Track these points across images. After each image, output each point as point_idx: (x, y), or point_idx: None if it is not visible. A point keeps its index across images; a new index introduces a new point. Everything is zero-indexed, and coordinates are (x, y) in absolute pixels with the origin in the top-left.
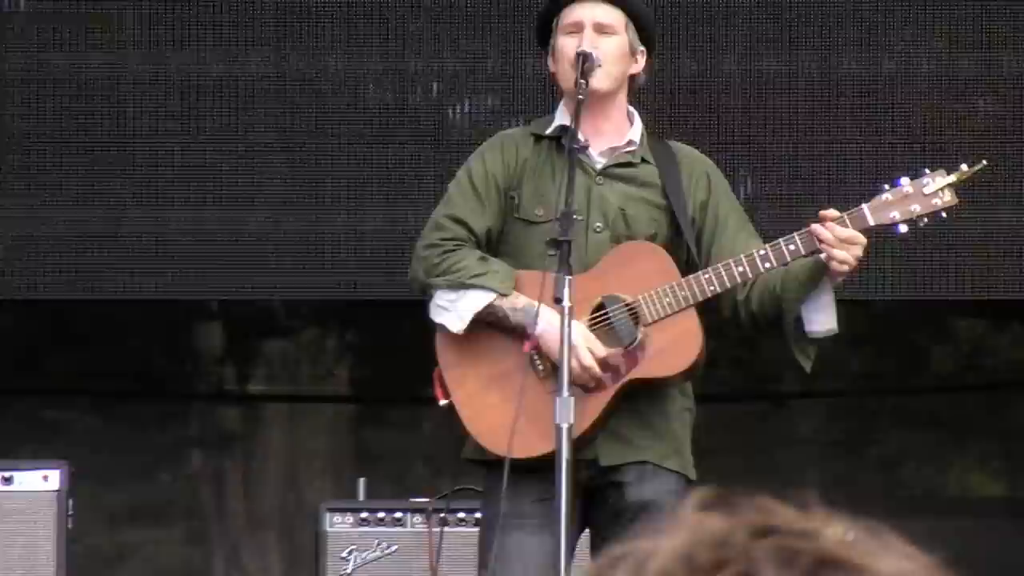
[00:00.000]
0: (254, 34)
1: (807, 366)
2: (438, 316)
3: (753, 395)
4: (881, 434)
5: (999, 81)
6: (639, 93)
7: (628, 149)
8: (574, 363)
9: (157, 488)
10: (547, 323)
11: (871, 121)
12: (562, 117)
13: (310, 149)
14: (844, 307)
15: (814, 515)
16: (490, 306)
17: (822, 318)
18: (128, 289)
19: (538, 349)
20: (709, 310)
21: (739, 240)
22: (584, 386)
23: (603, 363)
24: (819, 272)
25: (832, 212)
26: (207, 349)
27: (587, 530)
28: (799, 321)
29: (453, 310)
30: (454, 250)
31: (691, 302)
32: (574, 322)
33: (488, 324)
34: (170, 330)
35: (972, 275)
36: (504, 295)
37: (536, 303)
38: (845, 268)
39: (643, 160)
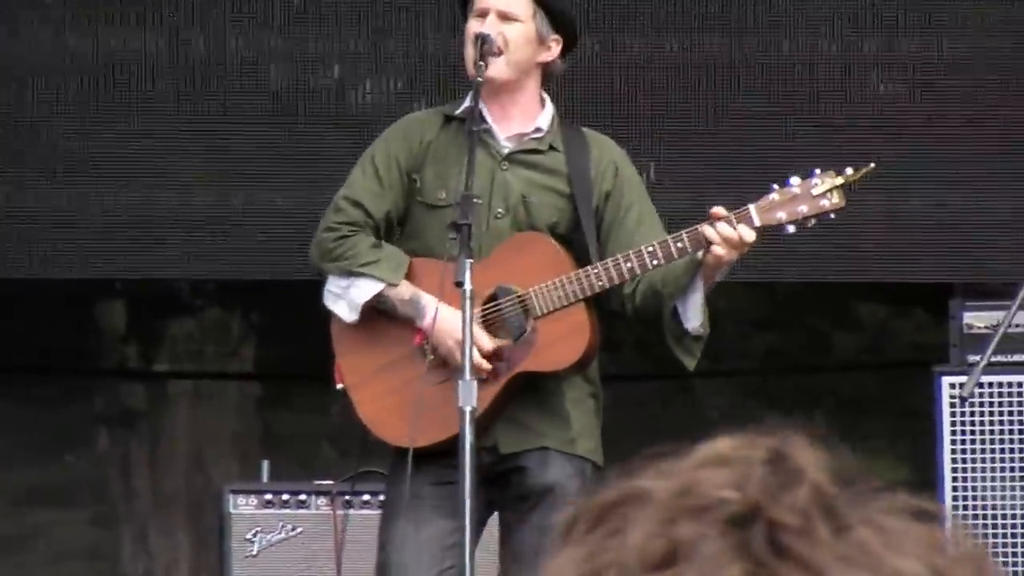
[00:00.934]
0: (156, 11)
1: (689, 364)
2: (330, 303)
3: (658, 376)
4: (787, 416)
5: (900, 62)
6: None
7: (535, 135)
8: (458, 353)
9: (62, 469)
10: (433, 316)
11: (774, 104)
12: (471, 99)
13: (213, 130)
14: (747, 289)
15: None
16: (379, 295)
17: (694, 315)
18: (31, 268)
19: (426, 342)
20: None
21: (637, 235)
22: (476, 378)
23: (491, 355)
24: (694, 266)
25: (720, 211)
26: (111, 328)
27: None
28: (677, 318)
29: (344, 298)
30: (349, 236)
31: (580, 296)
32: (454, 313)
33: (379, 312)
34: (73, 309)
35: (874, 259)
36: (393, 284)
37: (421, 294)
38: (723, 266)
39: (551, 147)
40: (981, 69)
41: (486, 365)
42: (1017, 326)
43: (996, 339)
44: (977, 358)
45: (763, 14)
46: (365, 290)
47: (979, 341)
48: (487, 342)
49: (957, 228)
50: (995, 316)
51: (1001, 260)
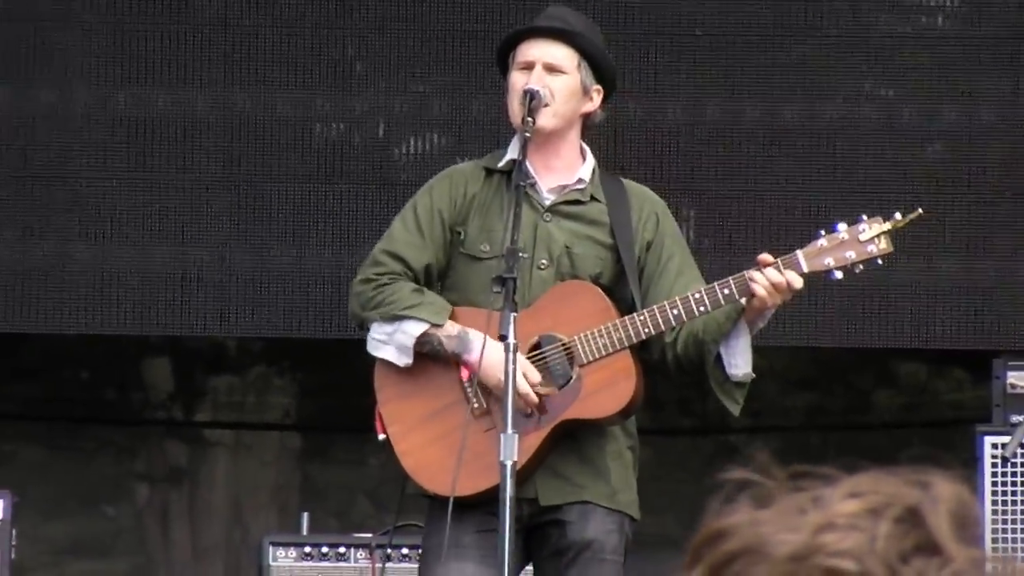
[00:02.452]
0: (201, 71)
1: (735, 410)
2: (376, 350)
3: (700, 432)
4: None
5: (942, 130)
6: (592, 131)
7: (578, 187)
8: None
9: (103, 520)
10: (479, 351)
11: (815, 169)
12: (514, 151)
13: (256, 188)
14: (789, 351)
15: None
16: (424, 335)
17: (740, 361)
18: (75, 324)
19: (473, 376)
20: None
21: (678, 284)
22: (522, 413)
23: (538, 392)
24: (736, 312)
25: (767, 257)
26: (155, 384)
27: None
28: (721, 364)
29: (391, 343)
30: (388, 283)
31: (626, 344)
32: (500, 346)
33: (425, 356)
34: (118, 364)
35: (912, 323)
36: (438, 325)
37: (469, 330)
38: (767, 312)
39: (592, 198)
40: (1019, 135)
41: (534, 396)
42: None
43: None
44: (1020, 419)
45: (804, 80)
46: (411, 332)
47: (1021, 401)
48: (535, 374)
49: (993, 293)
50: None
51: None
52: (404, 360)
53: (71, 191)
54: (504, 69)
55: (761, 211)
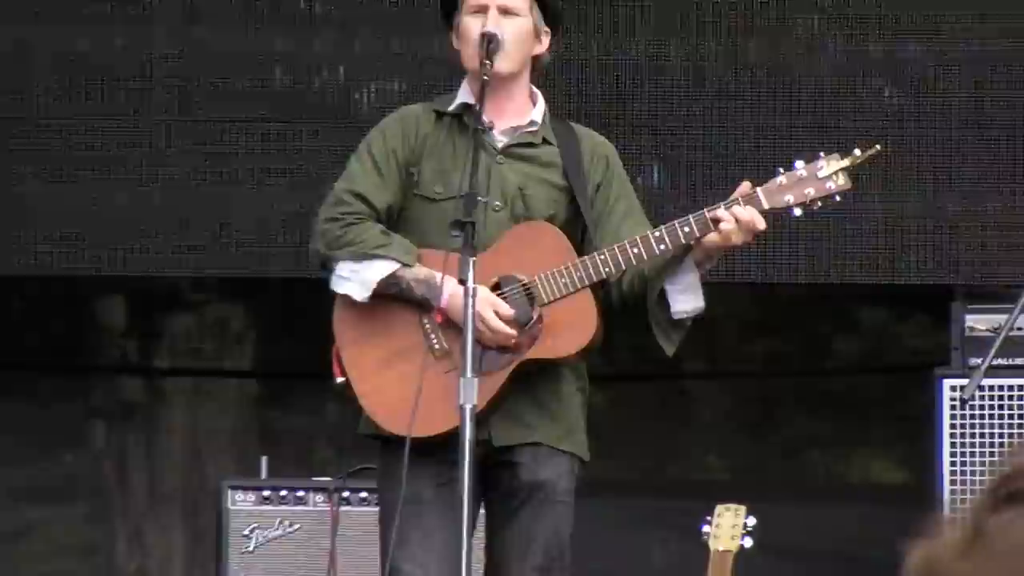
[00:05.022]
0: (159, 11)
1: (669, 350)
2: (340, 286)
3: (654, 377)
4: (785, 419)
5: (903, 66)
6: (547, 74)
7: (530, 129)
8: (481, 326)
9: (59, 465)
10: (452, 293)
11: (777, 107)
12: (465, 95)
13: (215, 129)
14: (747, 293)
15: None
16: (393, 276)
17: (687, 297)
18: (30, 264)
19: (446, 319)
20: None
21: (625, 226)
22: (499, 349)
23: (510, 321)
24: (683, 252)
25: (747, 186)
26: (110, 323)
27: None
28: (664, 302)
29: (355, 279)
30: (356, 223)
31: (586, 283)
32: (477, 286)
33: (391, 297)
34: (72, 304)
35: (876, 262)
36: (408, 265)
37: (436, 273)
38: (724, 249)
39: (544, 140)
40: (982, 72)
41: (508, 330)
42: (1019, 329)
43: (998, 342)
44: (978, 361)
45: (767, 18)
46: (379, 270)
47: (981, 344)
48: (505, 307)
49: (956, 231)
50: (996, 319)
51: (1001, 263)
52: (363, 294)
53: (27, 132)
54: (448, 14)
55: (725, 150)
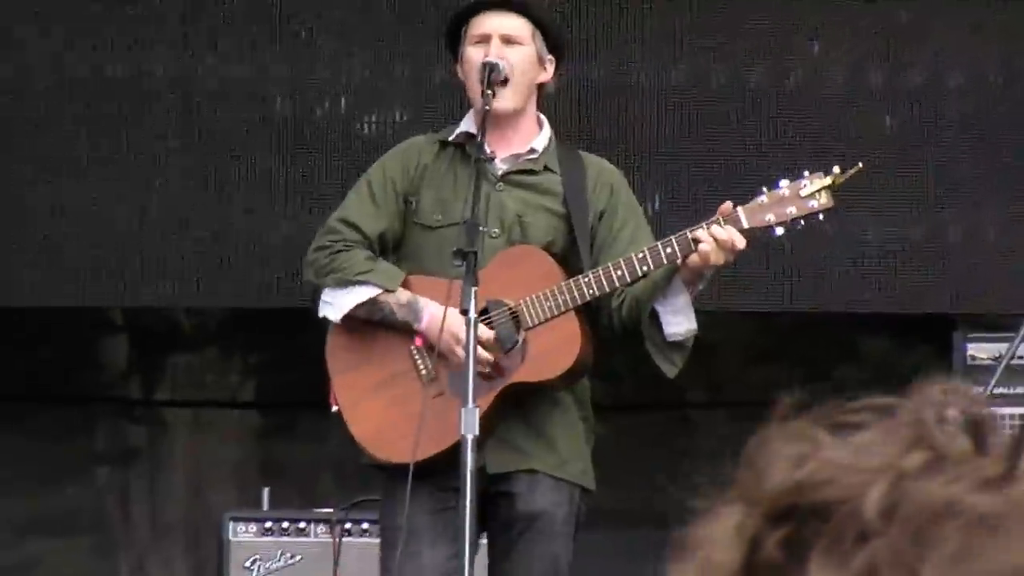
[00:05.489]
0: (158, 37)
1: (670, 372)
2: (322, 310)
3: (656, 406)
4: None
5: (905, 95)
6: (550, 99)
7: (530, 157)
8: (459, 350)
9: (62, 499)
10: (431, 315)
11: (780, 133)
12: (467, 124)
13: (215, 159)
14: (748, 322)
15: None
16: (374, 301)
17: (680, 319)
18: (27, 296)
19: (427, 343)
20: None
21: (629, 252)
22: (480, 375)
23: (490, 345)
24: (670, 270)
25: (728, 206)
26: (112, 361)
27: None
28: (658, 324)
29: (336, 303)
30: (343, 250)
31: (571, 306)
32: (452, 310)
33: (379, 324)
34: (73, 336)
35: (876, 289)
36: (389, 291)
37: (419, 298)
38: (708, 269)
39: (546, 168)
40: (980, 98)
41: (488, 355)
42: (1020, 358)
43: (1000, 370)
44: (980, 390)
45: (770, 43)
46: (358, 295)
47: (982, 373)
48: (486, 331)
49: (957, 258)
50: (998, 348)
51: (1003, 290)
52: (336, 316)
53: (24, 160)
54: (454, 44)
55: (727, 174)
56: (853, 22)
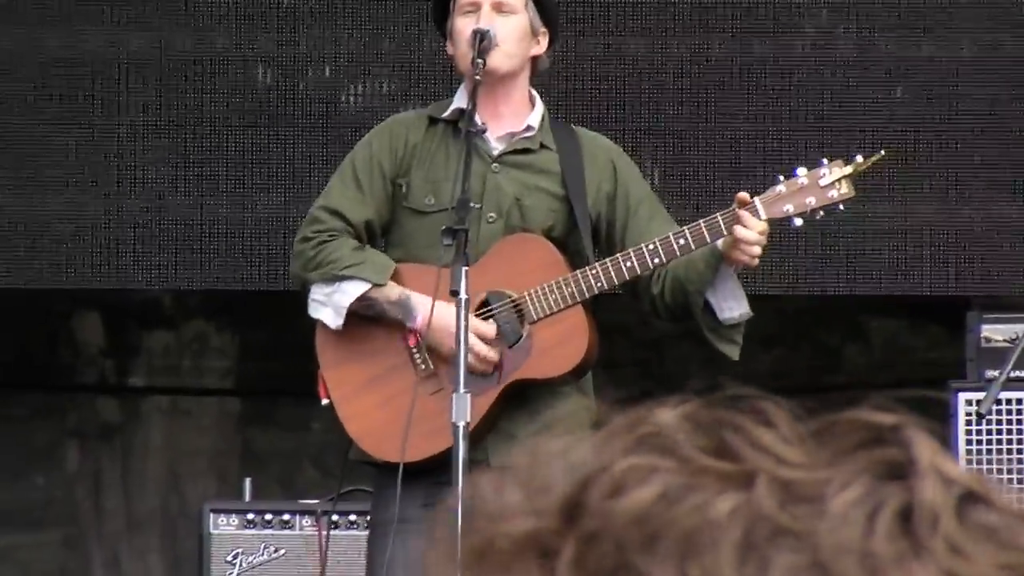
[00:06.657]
0: (135, 10)
1: (733, 353)
2: (315, 312)
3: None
4: None
5: (915, 68)
6: (541, 76)
7: (526, 134)
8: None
9: (32, 489)
10: (424, 316)
11: (781, 107)
12: (460, 100)
13: (195, 133)
14: (754, 304)
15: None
16: (365, 297)
17: (732, 304)
18: (3, 277)
19: (420, 342)
20: (616, 309)
21: (651, 227)
22: (482, 373)
23: (493, 345)
24: (716, 259)
25: (744, 196)
26: (85, 340)
27: None
28: (711, 311)
29: (329, 304)
30: (328, 241)
31: (578, 299)
32: (447, 308)
33: (368, 319)
34: (49, 320)
35: (888, 271)
36: (379, 285)
37: (410, 294)
38: (743, 261)
39: (543, 146)
40: (996, 78)
41: (492, 355)
42: None
43: (1016, 353)
44: (995, 373)
45: (773, 15)
46: (350, 292)
47: (997, 356)
48: (490, 329)
49: (971, 240)
50: (1014, 329)
51: (1018, 271)
52: (337, 322)
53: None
54: (441, 17)
55: (726, 152)
56: None
